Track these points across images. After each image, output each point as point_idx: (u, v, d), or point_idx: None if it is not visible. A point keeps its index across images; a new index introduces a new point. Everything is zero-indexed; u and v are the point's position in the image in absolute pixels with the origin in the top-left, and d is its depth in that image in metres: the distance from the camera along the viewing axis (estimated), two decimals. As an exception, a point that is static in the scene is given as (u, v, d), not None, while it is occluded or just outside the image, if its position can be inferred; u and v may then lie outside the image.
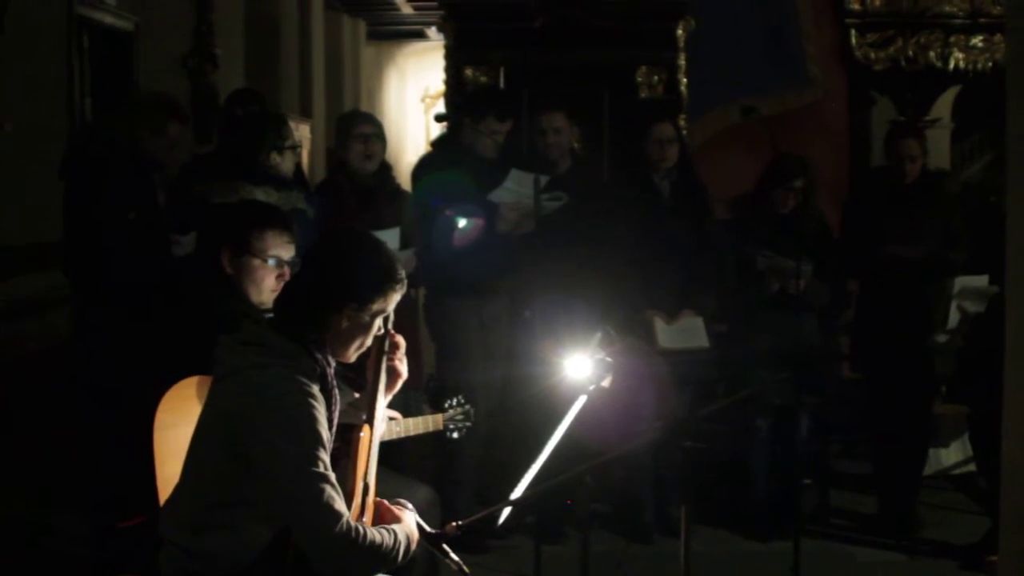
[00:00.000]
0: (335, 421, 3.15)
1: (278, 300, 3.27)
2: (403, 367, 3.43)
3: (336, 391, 3.16)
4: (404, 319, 3.71)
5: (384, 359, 3.35)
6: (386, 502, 3.22)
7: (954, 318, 5.52)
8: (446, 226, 5.50)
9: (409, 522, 3.16)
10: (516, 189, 5.48)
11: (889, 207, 5.85)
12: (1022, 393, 3.40)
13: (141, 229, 5.05)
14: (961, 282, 5.50)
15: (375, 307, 3.16)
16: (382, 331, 3.27)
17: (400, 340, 3.39)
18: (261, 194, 5.05)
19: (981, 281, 5.47)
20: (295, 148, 5.46)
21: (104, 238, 5.01)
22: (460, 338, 5.77)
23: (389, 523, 3.12)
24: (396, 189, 5.83)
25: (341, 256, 3.18)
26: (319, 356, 3.10)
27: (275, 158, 5.27)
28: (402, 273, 3.22)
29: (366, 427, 3.25)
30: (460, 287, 5.70)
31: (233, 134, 5.51)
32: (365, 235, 3.37)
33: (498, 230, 5.55)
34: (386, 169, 5.71)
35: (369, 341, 3.25)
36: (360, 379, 3.44)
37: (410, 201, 5.79)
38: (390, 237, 5.34)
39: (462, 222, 5.46)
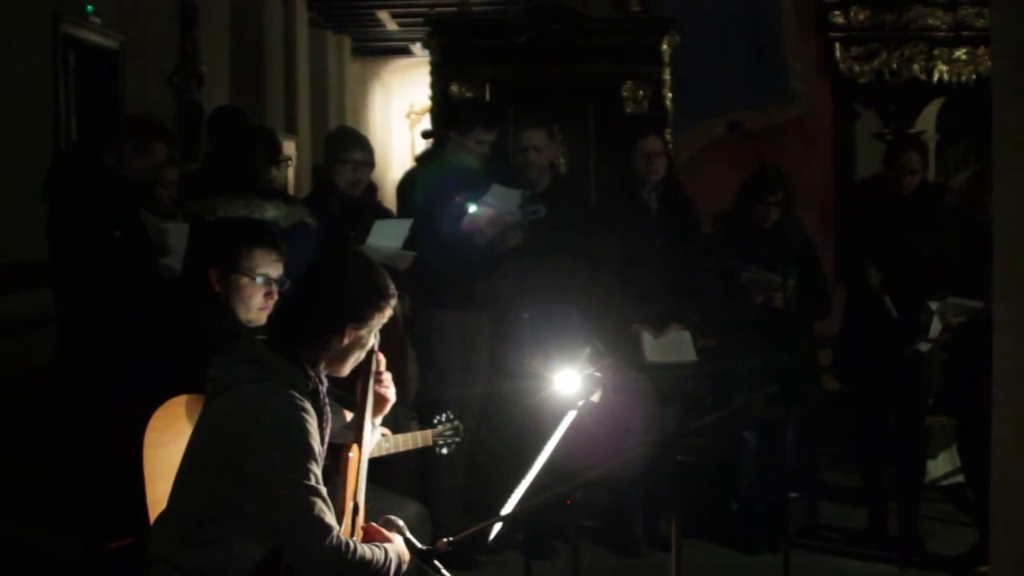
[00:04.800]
0: (327, 438, 3.18)
1: (274, 321, 3.30)
2: (391, 392, 3.50)
3: (328, 408, 3.19)
4: (391, 334, 3.73)
5: (372, 381, 3.39)
6: (375, 524, 3.22)
7: (936, 327, 5.53)
8: (456, 211, 5.51)
9: (400, 543, 3.17)
10: (495, 203, 5.50)
11: (884, 219, 5.86)
12: (1011, 404, 3.41)
13: (126, 249, 5.03)
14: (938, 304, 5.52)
15: (373, 323, 3.25)
16: (371, 346, 3.32)
17: (383, 363, 3.45)
18: (272, 208, 5.04)
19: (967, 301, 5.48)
20: (287, 161, 5.48)
21: (89, 258, 5.00)
22: (443, 352, 5.78)
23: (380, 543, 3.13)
24: (379, 208, 5.84)
25: (337, 278, 3.23)
26: (312, 374, 3.14)
27: (273, 172, 5.29)
28: (393, 287, 3.29)
29: (355, 447, 3.28)
30: (443, 301, 5.70)
31: (233, 149, 5.46)
32: (355, 254, 3.41)
33: (475, 241, 5.56)
34: (371, 190, 5.71)
35: (363, 355, 3.32)
36: (351, 397, 3.47)
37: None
38: (402, 228, 5.35)
39: (472, 207, 5.48)
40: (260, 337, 3.28)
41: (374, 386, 3.42)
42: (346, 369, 3.30)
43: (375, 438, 3.72)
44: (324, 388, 3.20)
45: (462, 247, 5.51)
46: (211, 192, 5.21)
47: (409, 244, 5.40)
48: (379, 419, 3.51)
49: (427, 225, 5.53)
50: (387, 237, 5.29)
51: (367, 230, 5.37)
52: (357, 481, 3.26)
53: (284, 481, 2.93)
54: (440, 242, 5.47)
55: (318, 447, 3.06)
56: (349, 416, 3.56)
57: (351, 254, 3.46)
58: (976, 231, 5.55)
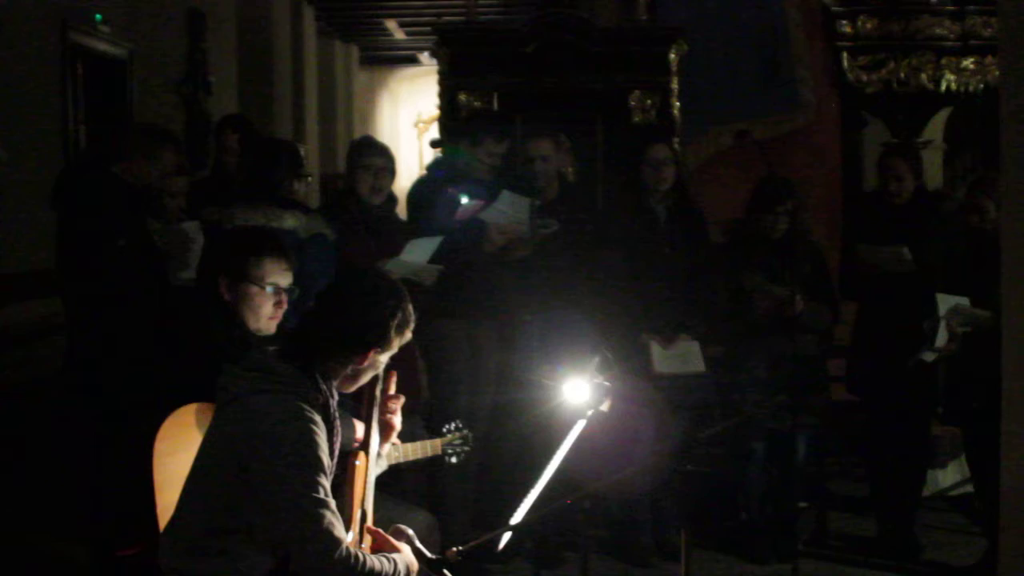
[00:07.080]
0: (336, 451, 3.17)
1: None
2: (397, 420, 3.52)
3: (338, 422, 3.18)
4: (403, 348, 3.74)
5: (379, 390, 3.39)
6: (383, 532, 3.22)
7: (942, 337, 5.51)
8: (449, 202, 5.52)
9: (408, 553, 3.17)
10: (506, 211, 5.50)
11: (881, 228, 5.86)
12: (1019, 414, 3.41)
13: (132, 257, 5.04)
14: (950, 301, 5.49)
15: (394, 348, 3.27)
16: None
17: (394, 387, 3.48)
18: (291, 218, 5.06)
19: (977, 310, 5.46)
20: (309, 177, 5.51)
21: (95, 266, 5.00)
22: (452, 361, 5.78)
23: (388, 553, 3.13)
24: (397, 220, 5.83)
25: (369, 303, 3.23)
26: (324, 387, 3.14)
27: (296, 185, 5.32)
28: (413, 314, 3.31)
29: (361, 455, 3.28)
30: (452, 310, 5.70)
31: (256, 160, 5.49)
32: (387, 279, 3.40)
33: (483, 250, 5.56)
34: (391, 201, 5.70)
35: (373, 374, 3.33)
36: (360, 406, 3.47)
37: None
38: (431, 245, 5.36)
39: (464, 199, 5.49)
40: (272, 348, 3.28)
41: (382, 414, 3.44)
42: (355, 387, 3.31)
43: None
44: (335, 402, 3.20)
45: (465, 248, 5.52)
46: (230, 200, 5.23)
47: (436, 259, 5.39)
48: (386, 446, 3.52)
49: (422, 217, 5.54)
50: (418, 254, 5.31)
51: (387, 241, 5.38)
52: (365, 489, 3.27)
53: (292, 493, 2.93)
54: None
55: (327, 460, 3.05)
56: (360, 428, 3.56)
57: (380, 277, 3.46)
58: (974, 240, 5.55)
